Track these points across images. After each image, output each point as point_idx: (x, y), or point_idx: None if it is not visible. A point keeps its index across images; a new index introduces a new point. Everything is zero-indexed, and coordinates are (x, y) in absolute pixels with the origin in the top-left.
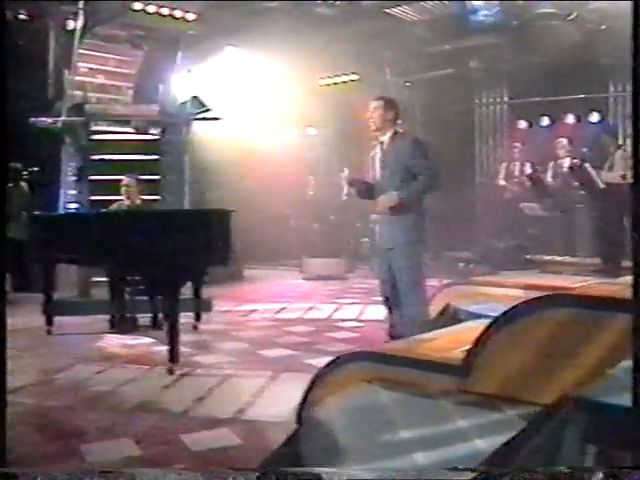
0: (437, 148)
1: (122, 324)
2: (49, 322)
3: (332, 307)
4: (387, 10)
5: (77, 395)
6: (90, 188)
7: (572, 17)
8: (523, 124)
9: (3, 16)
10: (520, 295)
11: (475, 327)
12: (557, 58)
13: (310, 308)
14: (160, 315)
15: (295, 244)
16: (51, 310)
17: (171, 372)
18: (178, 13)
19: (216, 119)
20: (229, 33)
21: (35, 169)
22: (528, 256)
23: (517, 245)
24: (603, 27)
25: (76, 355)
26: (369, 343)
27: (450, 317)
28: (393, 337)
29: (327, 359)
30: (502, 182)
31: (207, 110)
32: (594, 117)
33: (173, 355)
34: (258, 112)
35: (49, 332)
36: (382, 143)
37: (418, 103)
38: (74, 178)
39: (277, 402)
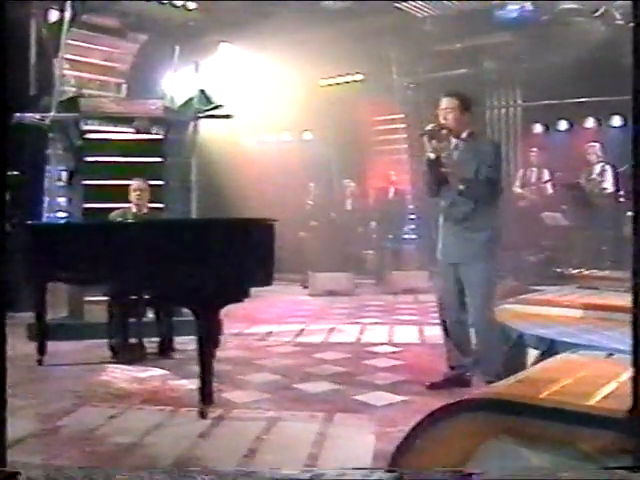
0: None
1: (126, 352)
2: (40, 350)
3: (355, 328)
4: (398, 5)
5: (93, 449)
6: (83, 194)
7: (599, 13)
8: (539, 128)
9: (3, 16)
10: (579, 315)
11: (584, 361)
12: (578, 57)
13: (332, 330)
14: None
15: (295, 257)
16: (43, 336)
17: (203, 415)
18: (178, 2)
19: (228, 117)
20: (225, 28)
21: (16, 173)
22: (559, 269)
23: (546, 258)
24: (632, 24)
25: (79, 393)
26: (420, 373)
27: (514, 342)
28: (453, 367)
29: (378, 394)
30: (518, 189)
31: (216, 107)
32: (616, 121)
33: (206, 394)
34: (252, 114)
35: (40, 362)
36: (456, 145)
37: (426, 105)
38: (64, 183)
39: (346, 453)
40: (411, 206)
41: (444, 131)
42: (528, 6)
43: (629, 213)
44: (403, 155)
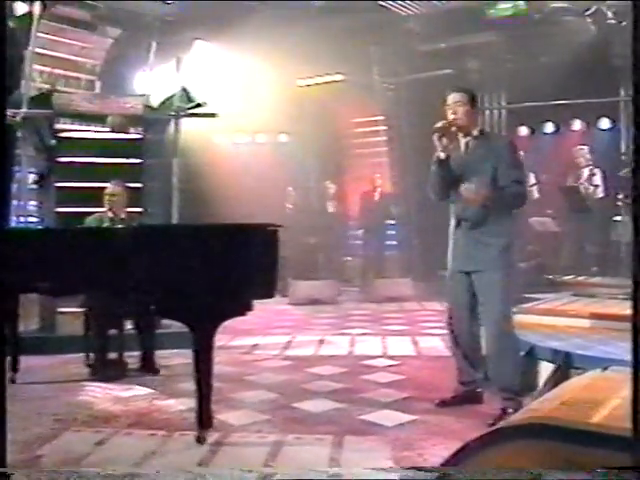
0: (429, 156)
1: (106, 368)
2: (14, 367)
3: (345, 340)
4: (382, 3)
5: None
6: (56, 198)
7: (590, 12)
8: (524, 131)
9: (3, 16)
10: (587, 325)
11: (623, 379)
12: (567, 58)
13: (321, 341)
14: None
15: None
16: (15, 351)
17: (200, 440)
18: None
19: (212, 115)
20: (202, 24)
21: None
22: (550, 276)
23: (536, 264)
24: (624, 24)
25: (58, 415)
26: (425, 389)
27: (524, 355)
28: (464, 383)
29: (386, 413)
30: None
31: (198, 105)
32: (604, 123)
33: (203, 417)
34: (226, 114)
35: (13, 380)
36: (467, 144)
37: (406, 106)
38: (35, 186)
39: None
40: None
41: (454, 128)
42: (522, 5)
43: (617, 218)
44: (384, 158)
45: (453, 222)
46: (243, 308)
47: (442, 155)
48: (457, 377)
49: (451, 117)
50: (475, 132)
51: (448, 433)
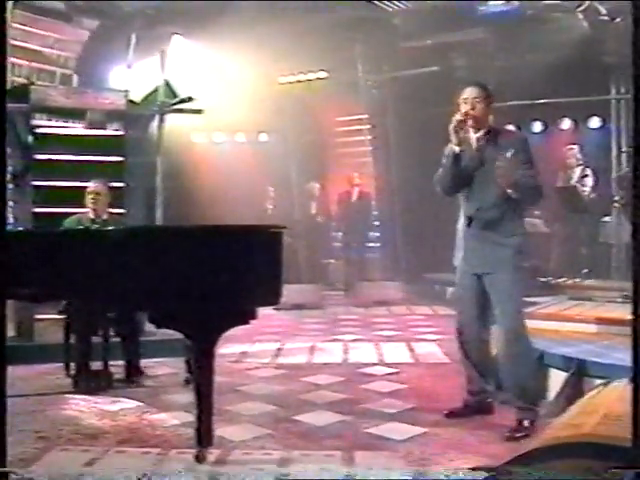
0: (414, 156)
1: (90, 380)
2: None
3: (337, 346)
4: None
5: None
6: (32, 197)
7: (582, 9)
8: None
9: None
10: (594, 330)
11: None
12: (556, 56)
13: (312, 348)
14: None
15: None
16: None
17: (200, 459)
18: None
19: (198, 112)
20: (182, 19)
21: None
22: (544, 279)
23: (531, 267)
24: (617, 20)
25: (41, 433)
26: (429, 398)
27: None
28: (473, 393)
29: (393, 425)
30: None
31: (183, 100)
32: (594, 122)
33: (203, 434)
34: (205, 112)
35: None
36: (478, 140)
37: (391, 104)
38: (10, 185)
39: None
40: (375, 212)
41: (470, 122)
42: (515, 3)
43: (606, 218)
44: (368, 157)
45: (463, 221)
46: (247, 316)
47: (457, 149)
48: (466, 386)
49: (470, 112)
50: (486, 128)
51: (463, 446)
